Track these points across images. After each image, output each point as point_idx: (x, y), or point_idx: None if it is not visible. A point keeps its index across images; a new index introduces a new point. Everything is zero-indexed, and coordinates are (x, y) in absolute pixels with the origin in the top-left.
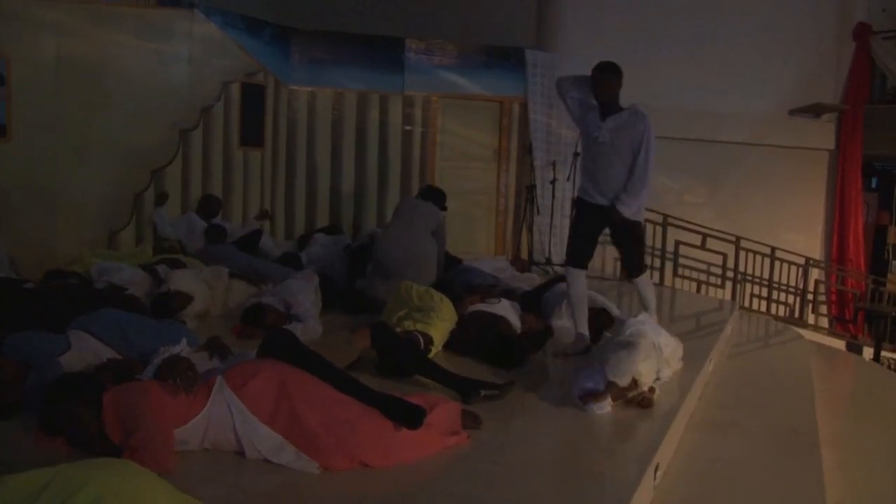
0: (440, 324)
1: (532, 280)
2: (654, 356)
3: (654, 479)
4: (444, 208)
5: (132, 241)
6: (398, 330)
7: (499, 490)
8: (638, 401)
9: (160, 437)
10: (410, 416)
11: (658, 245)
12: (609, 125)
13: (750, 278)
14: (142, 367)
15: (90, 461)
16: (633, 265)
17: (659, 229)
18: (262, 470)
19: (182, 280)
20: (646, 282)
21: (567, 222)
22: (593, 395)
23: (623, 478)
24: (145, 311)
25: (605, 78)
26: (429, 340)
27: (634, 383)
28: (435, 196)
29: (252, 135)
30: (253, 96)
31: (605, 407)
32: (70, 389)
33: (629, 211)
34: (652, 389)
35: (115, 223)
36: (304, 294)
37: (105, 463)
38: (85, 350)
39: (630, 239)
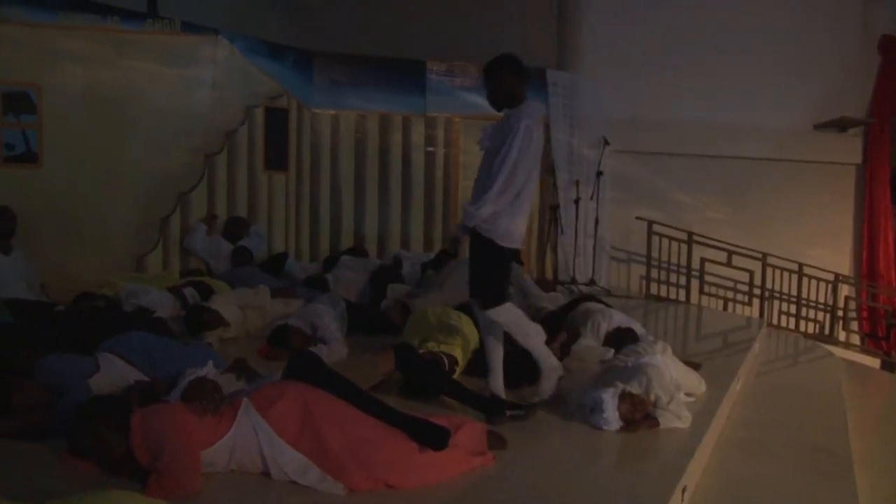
0: (463, 344)
1: (556, 300)
2: (669, 387)
3: (682, 500)
4: None
5: (159, 264)
6: (421, 351)
7: None
8: (646, 424)
9: (186, 459)
10: (436, 437)
11: (683, 262)
12: (488, 130)
13: (777, 295)
14: (168, 389)
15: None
16: (471, 290)
17: (684, 247)
18: (287, 491)
19: (220, 307)
20: (491, 321)
21: (592, 242)
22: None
23: (650, 499)
24: (172, 333)
25: (484, 77)
26: (453, 361)
27: (642, 403)
28: None
29: (276, 158)
30: (276, 120)
31: (613, 423)
32: (98, 412)
33: (467, 218)
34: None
35: (141, 247)
36: (329, 316)
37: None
38: (113, 372)
39: (471, 255)
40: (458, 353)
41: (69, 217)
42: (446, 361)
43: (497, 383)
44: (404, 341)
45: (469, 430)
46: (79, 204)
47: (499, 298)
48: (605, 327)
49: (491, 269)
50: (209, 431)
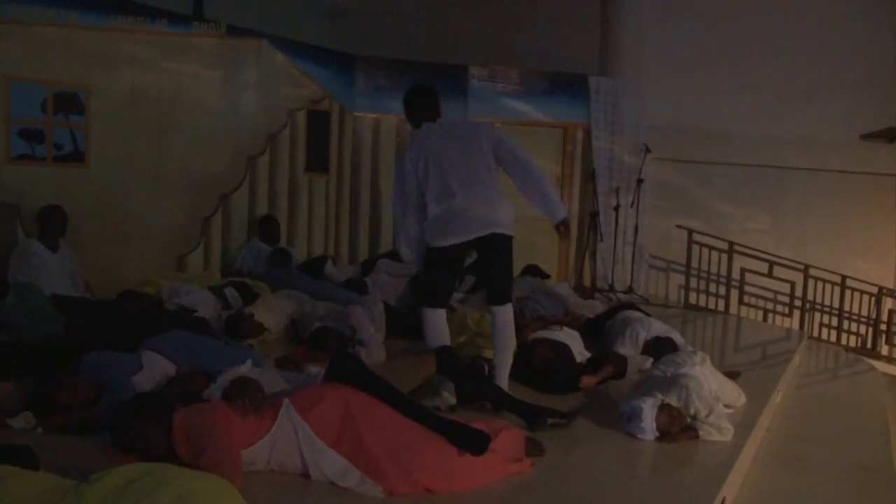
0: None
1: (594, 307)
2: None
3: None
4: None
5: (200, 264)
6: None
7: None
8: (684, 435)
9: (228, 458)
10: (475, 442)
11: (723, 272)
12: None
13: (819, 307)
14: (209, 382)
15: (183, 468)
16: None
17: (724, 256)
18: (327, 493)
19: (263, 313)
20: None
21: (631, 250)
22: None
23: None
24: (213, 333)
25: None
26: (492, 366)
27: (680, 416)
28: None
29: (317, 161)
30: (318, 123)
31: (649, 433)
32: (141, 410)
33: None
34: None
35: (183, 247)
36: (367, 319)
37: (196, 472)
38: (155, 369)
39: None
40: None
41: (114, 216)
42: (486, 367)
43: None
44: (446, 345)
45: (507, 436)
46: (123, 203)
47: (430, 300)
48: (643, 336)
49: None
50: (250, 431)
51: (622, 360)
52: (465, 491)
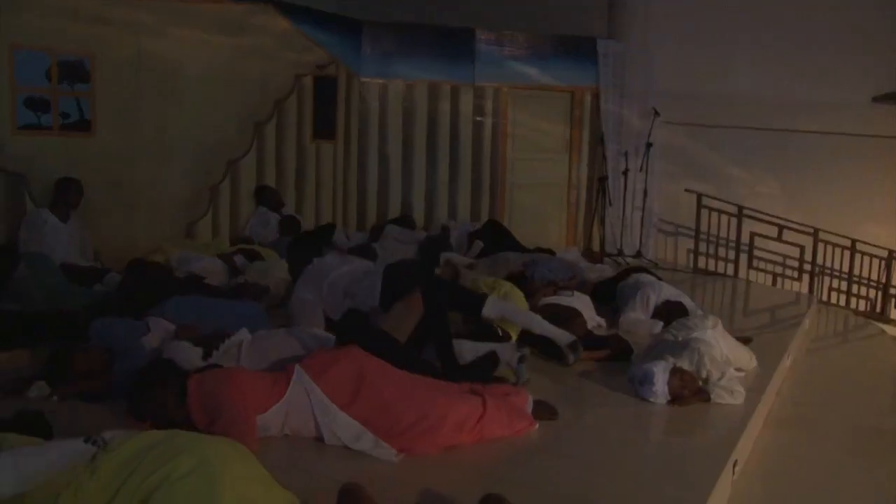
0: None
1: (604, 272)
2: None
3: (733, 475)
4: None
5: (209, 232)
6: None
7: (575, 484)
8: (696, 399)
9: (243, 424)
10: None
11: (732, 236)
12: None
13: (828, 271)
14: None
15: (200, 434)
16: None
17: (733, 220)
18: (341, 457)
19: (256, 276)
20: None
21: (639, 214)
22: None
23: (702, 473)
24: (222, 298)
25: None
26: (506, 333)
27: (692, 380)
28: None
29: (324, 127)
30: (325, 89)
31: (661, 397)
32: (156, 376)
33: None
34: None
35: (192, 215)
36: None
37: (214, 438)
38: (163, 334)
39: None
40: (512, 329)
41: (122, 185)
42: (500, 331)
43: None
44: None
45: (519, 397)
46: (131, 172)
47: None
48: (654, 300)
49: None
50: (264, 396)
51: (624, 344)
52: (479, 442)
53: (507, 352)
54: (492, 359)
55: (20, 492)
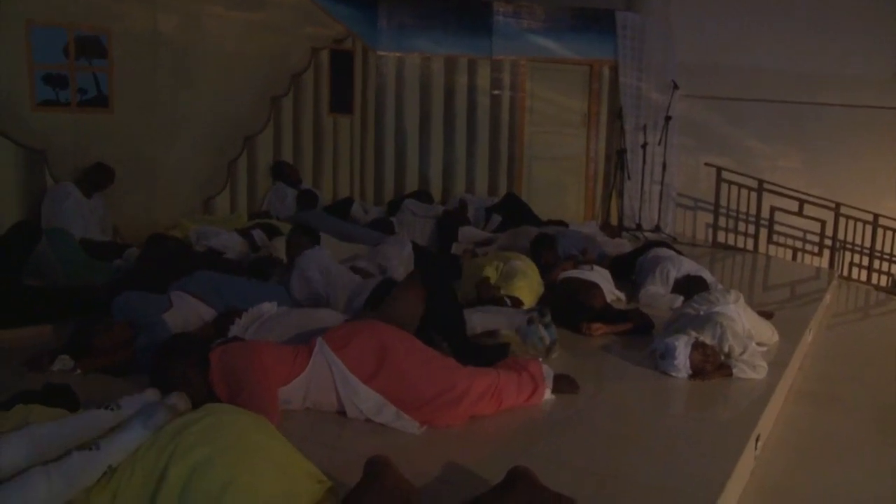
0: (529, 285)
1: (622, 246)
2: (742, 337)
3: (756, 449)
4: None
5: (227, 207)
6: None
7: (597, 458)
8: (718, 373)
9: (265, 395)
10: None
11: (752, 211)
12: None
13: (850, 246)
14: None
15: (234, 407)
16: None
17: (753, 195)
18: (362, 430)
19: (282, 251)
20: None
21: (658, 188)
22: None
23: (725, 447)
24: (242, 274)
25: None
26: (517, 302)
27: (714, 354)
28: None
29: (341, 101)
30: (342, 63)
31: (682, 371)
32: (179, 350)
33: None
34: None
35: (210, 190)
36: (398, 259)
37: (235, 418)
38: (185, 308)
39: None
40: (524, 295)
41: (140, 160)
42: (509, 302)
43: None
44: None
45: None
46: (148, 147)
47: None
48: (674, 274)
49: None
50: (286, 369)
51: (645, 319)
52: (499, 411)
53: (517, 318)
54: (504, 348)
55: (35, 462)
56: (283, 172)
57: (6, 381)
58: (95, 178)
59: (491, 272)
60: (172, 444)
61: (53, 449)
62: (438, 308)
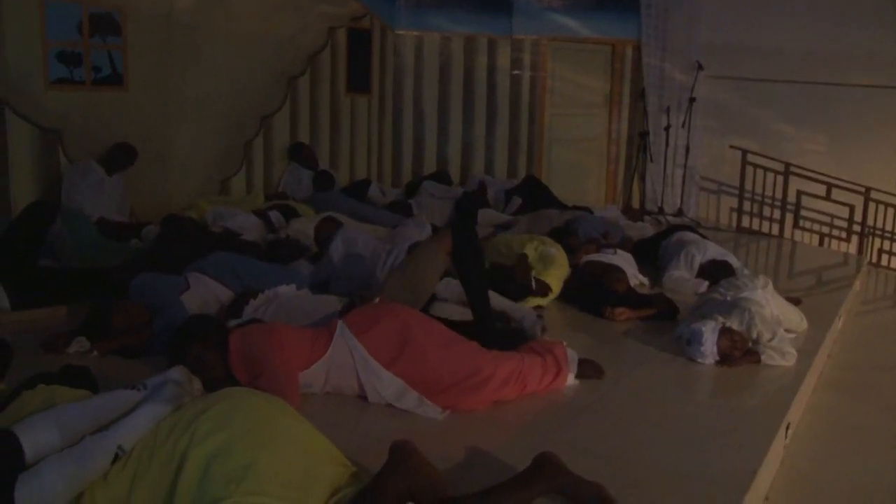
0: (556, 272)
1: (643, 230)
2: (771, 323)
3: (786, 437)
4: None
5: (243, 187)
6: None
7: (622, 445)
8: (746, 360)
9: (285, 378)
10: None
11: (778, 195)
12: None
13: (879, 232)
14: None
15: (252, 391)
16: None
17: (780, 178)
18: (383, 415)
19: (298, 233)
20: None
21: (681, 172)
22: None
23: (756, 435)
24: (259, 255)
25: None
26: (545, 288)
27: (742, 341)
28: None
29: (359, 81)
30: (359, 42)
31: (709, 357)
32: (197, 333)
33: None
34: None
35: (226, 171)
36: (417, 241)
37: (254, 403)
38: (202, 289)
39: None
40: (554, 284)
41: (155, 140)
42: (534, 284)
43: None
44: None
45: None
46: (164, 127)
47: None
48: (699, 259)
49: None
50: (306, 353)
51: (670, 304)
52: (522, 395)
53: (527, 318)
54: (519, 335)
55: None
56: (300, 154)
57: (23, 362)
58: (119, 158)
59: (531, 251)
60: (190, 430)
61: (82, 429)
62: (464, 262)
